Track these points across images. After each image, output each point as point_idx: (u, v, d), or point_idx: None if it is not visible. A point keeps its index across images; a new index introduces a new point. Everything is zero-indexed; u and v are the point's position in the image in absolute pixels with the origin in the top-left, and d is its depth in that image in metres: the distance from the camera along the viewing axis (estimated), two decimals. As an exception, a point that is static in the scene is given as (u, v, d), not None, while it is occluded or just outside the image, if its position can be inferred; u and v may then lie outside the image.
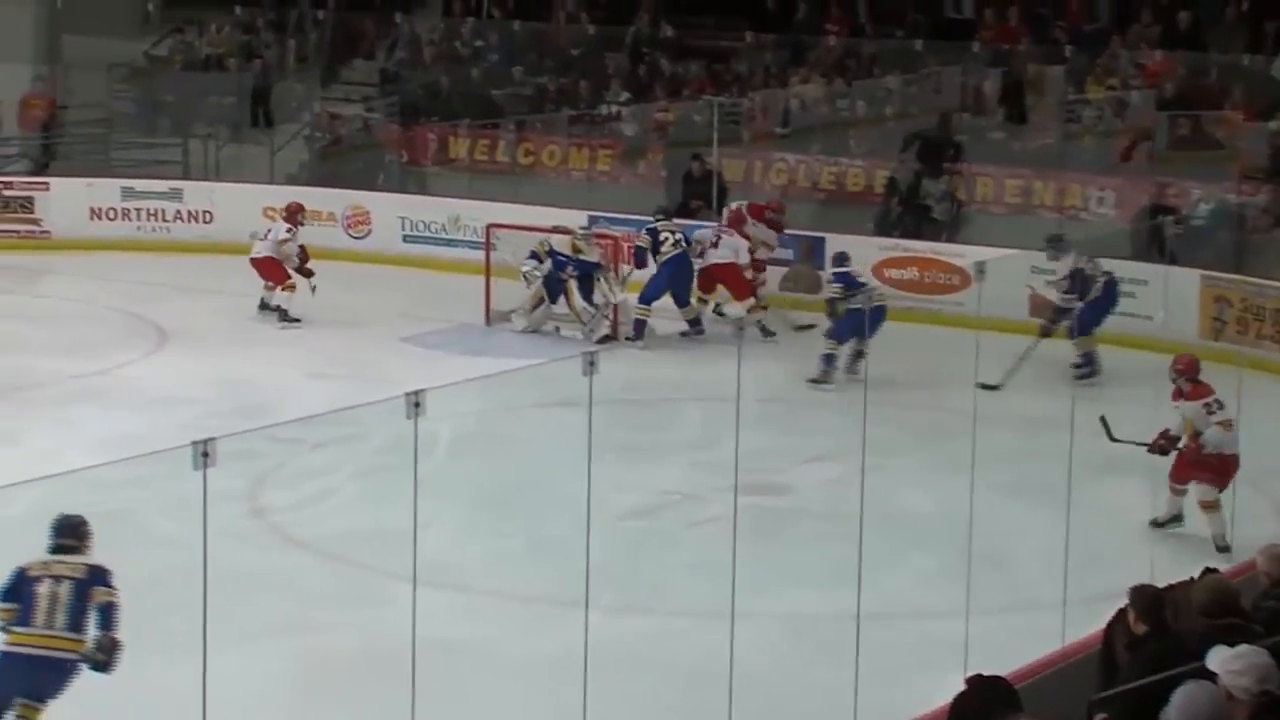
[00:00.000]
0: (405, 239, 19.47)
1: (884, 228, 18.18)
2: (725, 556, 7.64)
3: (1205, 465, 10.81)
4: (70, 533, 8.05)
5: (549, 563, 9.60)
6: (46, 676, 7.87)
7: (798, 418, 13.42)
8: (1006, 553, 10.03)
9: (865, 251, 17.42)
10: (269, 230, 17.32)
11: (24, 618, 7.83)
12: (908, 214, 18.21)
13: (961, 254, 16.76)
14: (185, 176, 20.80)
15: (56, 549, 8.00)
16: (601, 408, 6.92)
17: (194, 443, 5.82)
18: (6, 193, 19.90)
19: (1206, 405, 10.87)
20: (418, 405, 6.26)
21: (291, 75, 22.94)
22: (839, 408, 13.01)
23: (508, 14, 22.93)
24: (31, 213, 19.98)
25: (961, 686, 5.27)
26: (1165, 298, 14.18)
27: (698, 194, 18.68)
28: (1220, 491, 10.74)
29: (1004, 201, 18.16)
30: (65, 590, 7.86)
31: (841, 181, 18.96)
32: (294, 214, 17.24)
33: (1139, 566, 8.29)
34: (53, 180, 19.89)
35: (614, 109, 20.75)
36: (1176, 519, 11.09)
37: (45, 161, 21.59)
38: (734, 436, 7.76)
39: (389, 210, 19.60)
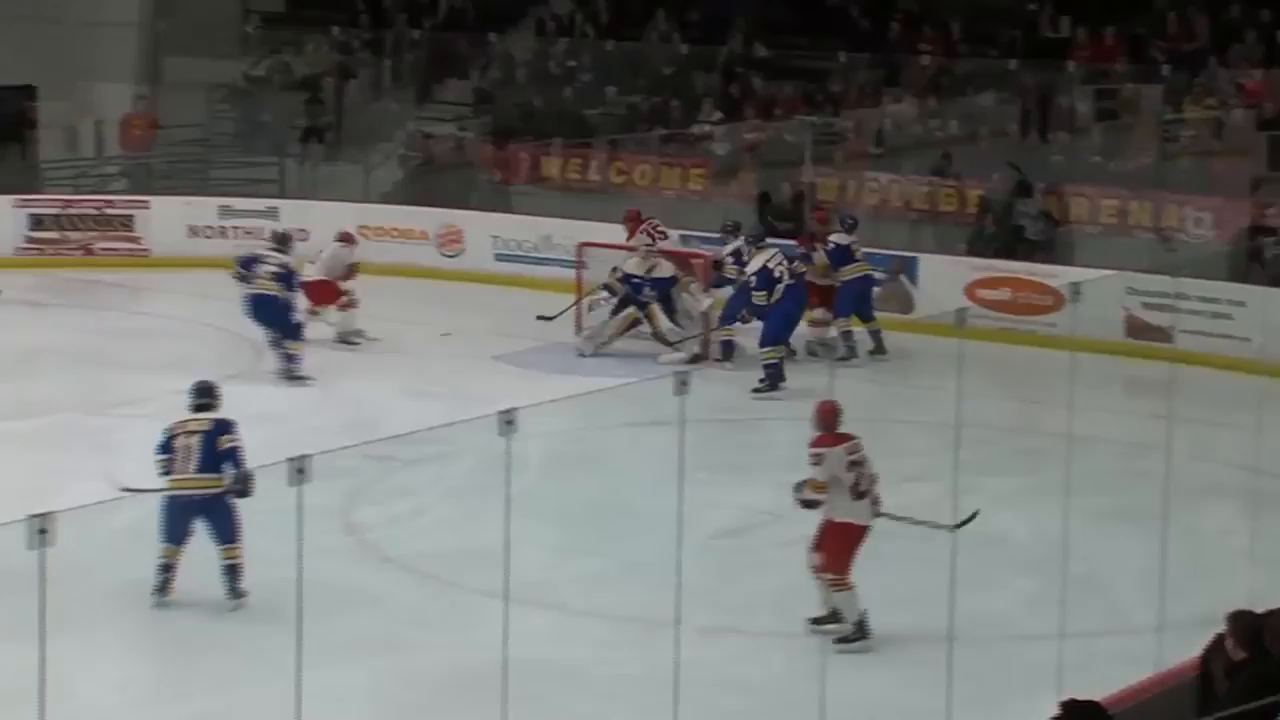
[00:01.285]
0: (497, 258, 19.56)
1: (977, 248, 18.05)
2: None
3: None
4: (204, 394, 10.33)
5: (640, 582, 9.56)
6: (202, 510, 9.76)
7: (890, 438, 13.31)
8: (1102, 576, 9.94)
9: (958, 271, 17.34)
10: (320, 251, 17.21)
11: (170, 467, 9.87)
12: (1001, 234, 18.06)
13: (1055, 274, 16.58)
14: (281, 195, 21.01)
15: (195, 408, 10.19)
16: (693, 427, 6.90)
17: (289, 459, 5.86)
18: (108, 211, 20.18)
19: None
20: (510, 423, 6.26)
21: (387, 95, 23.12)
22: (931, 428, 12.91)
23: (601, 34, 22.99)
24: (131, 230, 20.28)
25: (1056, 711, 5.20)
26: (1264, 320, 13.96)
27: (784, 215, 18.65)
28: None
29: (1099, 222, 17.98)
30: (195, 441, 9.87)
31: (934, 201, 18.86)
32: (347, 238, 17.17)
33: (1236, 591, 8.19)
34: (152, 199, 20.12)
35: (706, 128, 20.75)
36: None
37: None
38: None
39: (481, 229, 19.70)
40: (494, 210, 20.37)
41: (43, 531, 5.35)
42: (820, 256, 16.33)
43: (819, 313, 16.23)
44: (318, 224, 19.99)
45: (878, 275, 16.81)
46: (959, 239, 18.32)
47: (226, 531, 9.82)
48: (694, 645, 7.40)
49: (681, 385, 6.74)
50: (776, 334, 15.16)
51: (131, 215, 20.29)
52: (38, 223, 20.20)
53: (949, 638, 7.71)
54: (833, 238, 16.47)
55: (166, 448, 9.96)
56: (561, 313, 14.15)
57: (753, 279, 15.37)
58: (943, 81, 20.36)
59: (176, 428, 10.05)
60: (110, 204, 20.48)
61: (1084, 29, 20.25)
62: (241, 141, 22.50)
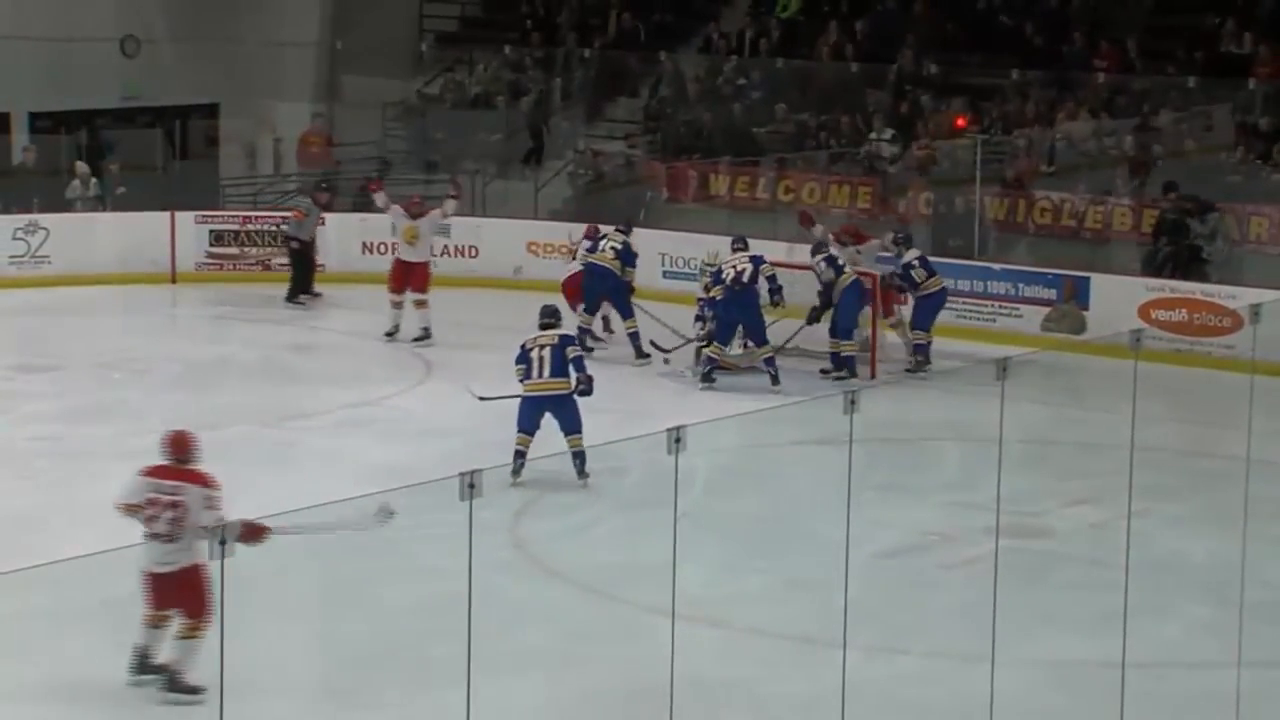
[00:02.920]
0: (665, 274, 19.59)
1: (1152, 268, 17.74)
2: (984, 599, 7.51)
3: None
4: (549, 314, 12.88)
5: (806, 601, 9.53)
6: (553, 407, 12.29)
7: (1061, 460, 13.14)
8: (1280, 604, 9.74)
9: (1132, 292, 17.05)
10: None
11: (527, 373, 12.42)
12: (1177, 254, 17.72)
13: (1233, 295, 16.27)
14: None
15: (543, 326, 12.69)
16: (860, 446, 6.84)
17: (461, 474, 5.91)
18: (285, 227, 20.54)
19: None
20: (679, 441, 6.27)
21: (557, 113, 23.31)
22: (1103, 451, 12.71)
23: (771, 51, 22.98)
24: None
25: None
26: None
27: (956, 232, 18.50)
28: None
29: (1280, 242, 17.61)
30: (547, 353, 12.38)
31: (1108, 220, 18.56)
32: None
33: None
34: (328, 215, 20.48)
35: (876, 146, 20.64)
36: None
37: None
38: (994, 477, 7.62)
39: (650, 246, 19.68)
40: (662, 228, 20.41)
41: (222, 542, 5.47)
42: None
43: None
44: (487, 241, 20.24)
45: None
46: (1134, 259, 18.01)
47: (573, 423, 12.28)
48: (860, 665, 7.34)
49: (850, 405, 6.72)
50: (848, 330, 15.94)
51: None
52: (218, 238, 20.63)
53: (1122, 664, 7.56)
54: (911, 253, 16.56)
55: (523, 358, 12.44)
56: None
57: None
58: (1118, 100, 20.04)
59: (530, 343, 12.53)
60: (287, 220, 20.83)
61: (1266, 46, 19.82)
62: (414, 159, 22.78)
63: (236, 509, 7.60)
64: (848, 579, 7.03)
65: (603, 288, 16.73)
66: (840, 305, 15.99)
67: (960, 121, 20.51)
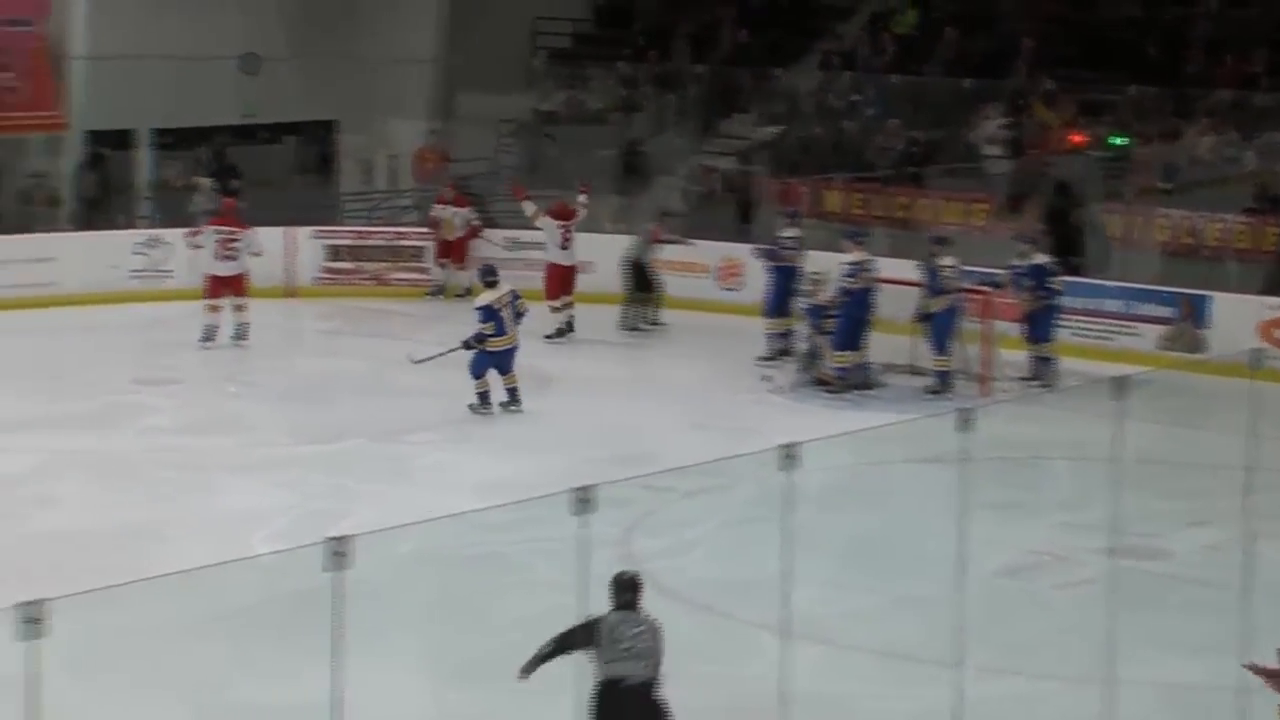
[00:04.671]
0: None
1: (1272, 287, 17.50)
2: (1098, 620, 7.45)
3: None
4: (490, 273, 15.64)
5: (917, 620, 9.50)
6: (509, 355, 15.14)
7: (1177, 480, 13.00)
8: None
9: (1252, 310, 16.83)
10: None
11: (500, 330, 15.06)
12: (1299, 271, 17.50)
13: (1357, 315, 16.07)
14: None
15: (489, 284, 15.30)
16: (972, 464, 6.83)
17: (574, 489, 5.98)
18: (399, 242, 20.77)
19: None
20: (791, 458, 6.31)
21: (670, 129, 23.38)
22: (1219, 471, 12.56)
23: (886, 67, 22.94)
24: (421, 262, 20.83)
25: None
26: None
27: (1072, 249, 18.37)
28: None
29: (1407, 259, 17.33)
30: (508, 311, 15.11)
31: (1227, 238, 18.34)
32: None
33: None
34: (511, 233, 20.51)
35: (990, 162, 20.52)
36: None
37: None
38: (1108, 497, 7.56)
39: (762, 263, 19.71)
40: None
41: (339, 554, 5.56)
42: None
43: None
44: (600, 256, 20.31)
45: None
46: (1254, 277, 17.78)
47: (513, 365, 15.21)
48: (972, 685, 7.32)
49: (964, 423, 6.72)
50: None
51: (421, 247, 20.83)
52: (334, 253, 20.92)
53: (1238, 688, 7.49)
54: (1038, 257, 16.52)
55: (493, 317, 14.98)
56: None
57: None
58: (1240, 116, 19.79)
59: (495, 303, 15.04)
60: (402, 235, 21.07)
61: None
62: (528, 175, 22.95)
63: (350, 522, 7.73)
64: (960, 598, 7.00)
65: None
66: (938, 320, 16.08)
67: (1076, 138, 20.37)
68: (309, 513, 12.19)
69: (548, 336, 18.07)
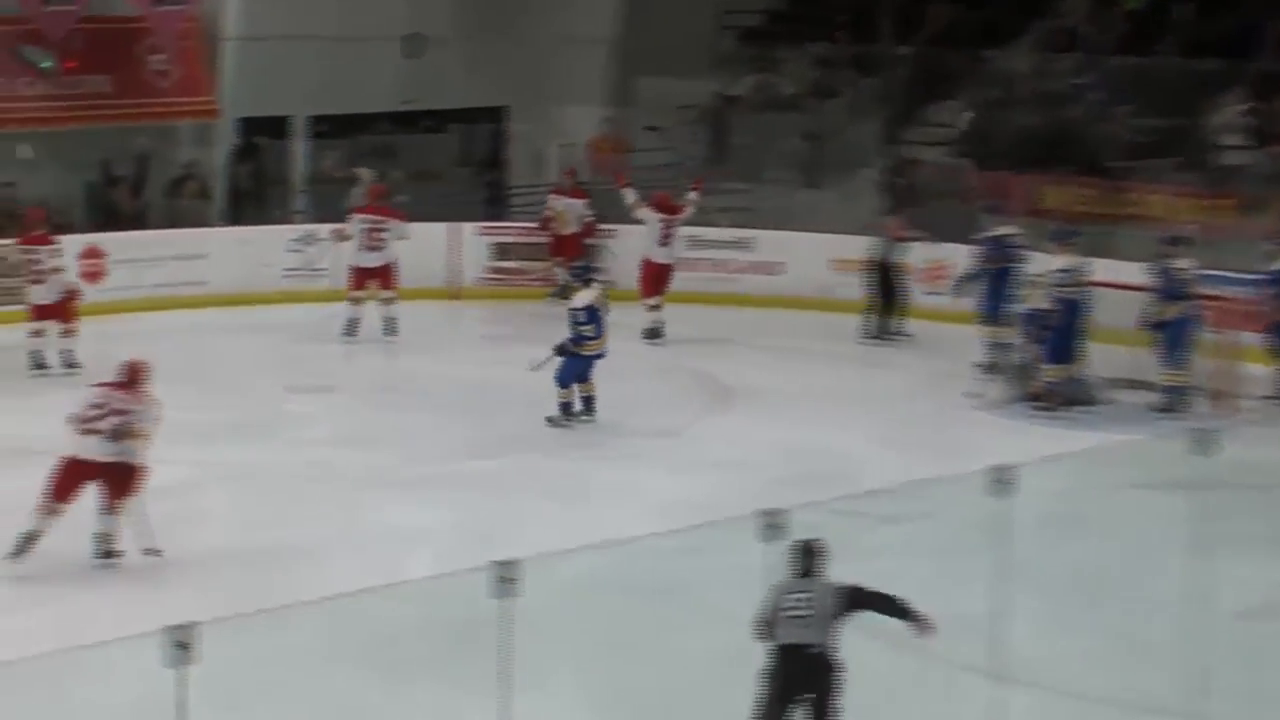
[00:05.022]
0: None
1: None
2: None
3: None
4: (588, 270, 16.21)
5: (1147, 665, 9.29)
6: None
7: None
8: None
9: None
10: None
11: (598, 333, 15.27)
12: None
13: None
14: (755, 224, 21.37)
15: (587, 282, 15.72)
16: (1209, 491, 6.67)
17: (761, 512, 5.93)
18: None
19: None
20: (1004, 482, 6.20)
21: (870, 116, 23.22)
22: None
23: (1113, 48, 22.56)
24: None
25: None
26: None
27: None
28: None
29: None
30: (604, 314, 15.38)
31: None
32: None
33: None
34: (621, 228, 20.62)
35: (1231, 154, 20.11)
36: None
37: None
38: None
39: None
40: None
41: (506, 580, 5.56)
42: None
43: None
44: (791, 256, 20.26)
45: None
46: None
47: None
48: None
49: (1203, 444, 6.56)
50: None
51: (598, 246, 20.84)
52: (501, 252, 21.07)
53: None
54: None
55: (595, 319, 15.18)
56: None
57: None
58: None
59: (596, 302, 15.33)
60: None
61: None
62: (714, 166, 22.95)
63: (519, 544, 7.74)
64: (1198, 642, 6.82)
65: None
66: (1171, 329, 15.85)
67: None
68: (472, 534, 12.27)
69: (645, 337, 18.53)
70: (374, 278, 18.58)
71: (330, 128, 22.95)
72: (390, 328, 18.44)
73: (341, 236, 19.12)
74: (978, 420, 15.62)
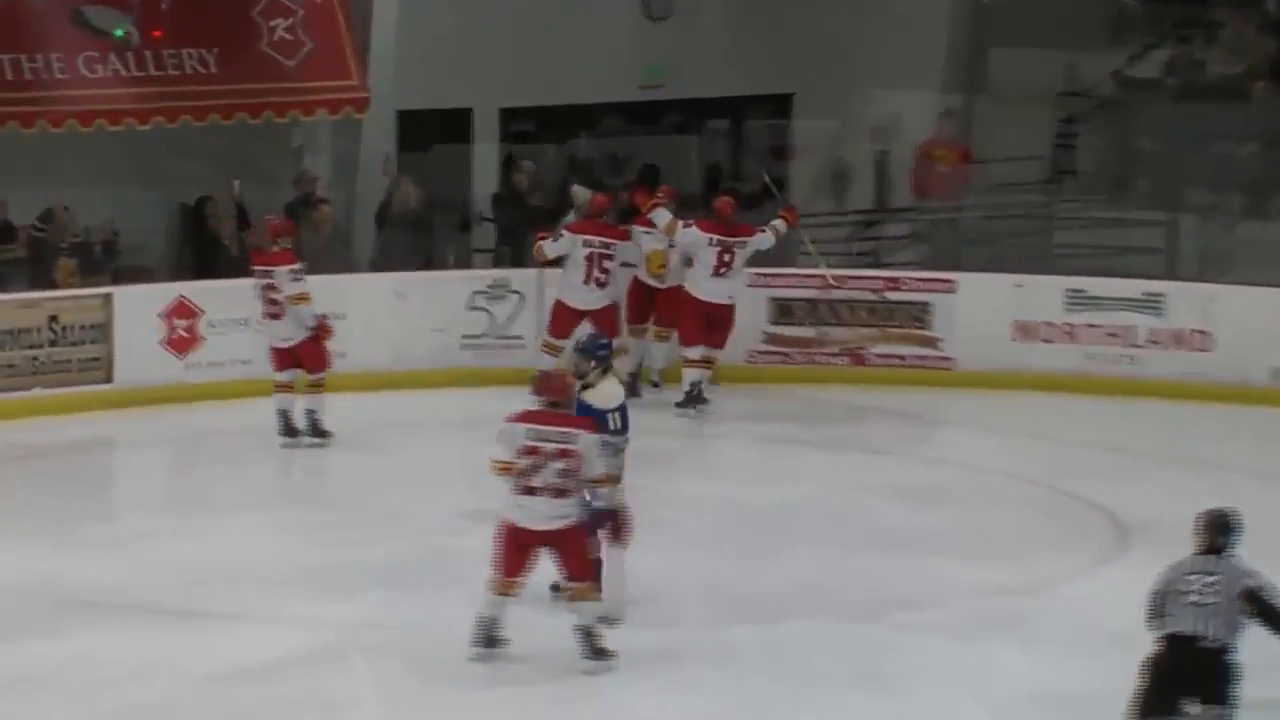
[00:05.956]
0: None
1: None
2: None
3: None
4: None
5: None
6: None
7: None
8: None
9: None
10: None
11: None
12: None
13: None
14: (1168, 274, 21.22)
15: None
16: None
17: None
18: (890, 294, 20.72)
19: None
20: None
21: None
22: None
23: None
24: (924, 325, 20.91)
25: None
26: None
27: None
28: None
29: None
30: None
31: None
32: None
33: None
34: (960, 277, 20.63)
35: None
36: None
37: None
38: None
39: None
40: None
41: None
42: None
43: None
44: (1224, 321, 19.89)
45: None
46: None
47: None
48: None
49: None
50: None
51: (927, 302, 20.86)
52: (783, 311, 21.14)
53: None
54: None
55: None
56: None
57: None
58: None
59: None
60: (895, 284, 21.10)
61: None
62: (1105, 184, 22.79)
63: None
64: None
65: None
66: None
67: None
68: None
69: (678, 405, 19.59)
70: (591, 322, 18.88)
71: (533, 125, 23.22)
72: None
73: (543, 258, 19.35)
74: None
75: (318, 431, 18.34)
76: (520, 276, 20.68)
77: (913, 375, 20.86)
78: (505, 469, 12.63)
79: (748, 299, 20.88)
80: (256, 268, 18.40)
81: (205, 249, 21.46)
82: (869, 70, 23.58)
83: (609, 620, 13.10)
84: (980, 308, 20.68)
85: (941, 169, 23.06)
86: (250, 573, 14.94)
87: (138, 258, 21.12)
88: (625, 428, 14.08)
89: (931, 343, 20.94)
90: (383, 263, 21.88)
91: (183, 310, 19.99)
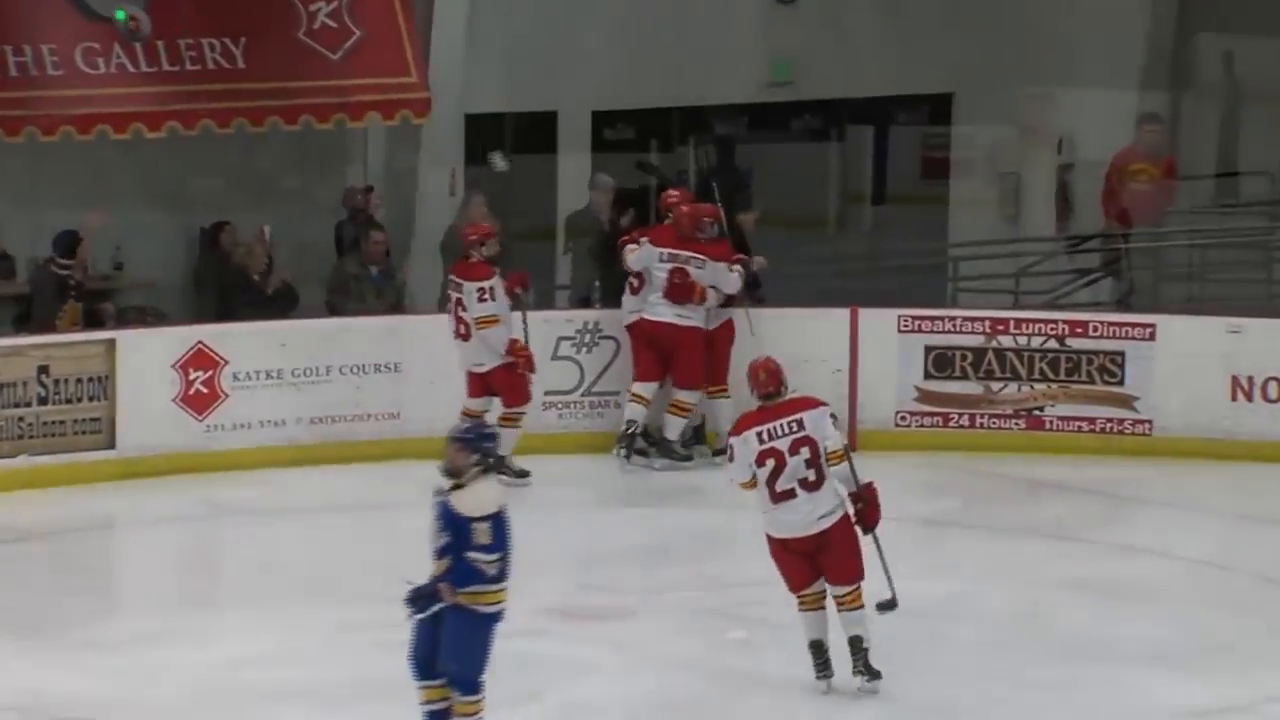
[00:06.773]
0: None
1: None
2: None
3: None
4: None
5: None
6: None
7: None
8: None
9: None
10: None
11: None
12: None
13: None
14: None
15: None
16: None
17: None
18: (1075, 342, 20.54)
19: None
20: None
21: None
22: None
23: None
24: (1118, 380, 20.77)
25: None
26: None
27: None
28: None
29: None
30: None
31: None
32: None
33: None
34: (1162, 321, 20.57)
35: None
36: None
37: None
38: None
39: None
40: None
41: None
42: None
43: None
44: None
45: None
46: None
47: None
48: None
49: None
50: None
51: (1120, 351, 20.73)
52: (943, 363, 21.01)
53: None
54: None
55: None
56: None
57: None
58: None
59: None
60: (1079, 329, 20.84)
61: None
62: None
63: None
64: None
65: None
66: None
67: None
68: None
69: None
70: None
71: (633, 131, 23.30)
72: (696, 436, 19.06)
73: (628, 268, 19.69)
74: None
75: (512, 471, 19.00)
76: (612, 318, 20.58)
77: (1102, 442, 20.88)
78: (749, 486, 13.81)
79: (893, 346, 20.92)
80: (450, 278, 19.51)
81: (229, 284, 21.29)
82: (1046, 65, 23.50)
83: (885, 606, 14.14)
84: (1187, 358, 20.63)
85: (1139, 186, 22.84)
86: (286, 686, 14.78)
87: (146, 296, 20.96)
88: (501, 544, 12.96)
89: (1126, 402, 20.89)
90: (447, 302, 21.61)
91: (202, 360, 19.98)
